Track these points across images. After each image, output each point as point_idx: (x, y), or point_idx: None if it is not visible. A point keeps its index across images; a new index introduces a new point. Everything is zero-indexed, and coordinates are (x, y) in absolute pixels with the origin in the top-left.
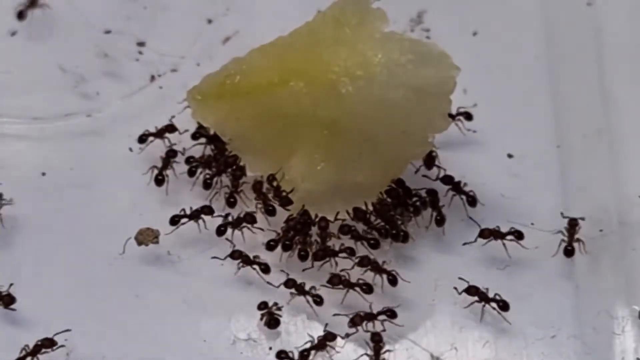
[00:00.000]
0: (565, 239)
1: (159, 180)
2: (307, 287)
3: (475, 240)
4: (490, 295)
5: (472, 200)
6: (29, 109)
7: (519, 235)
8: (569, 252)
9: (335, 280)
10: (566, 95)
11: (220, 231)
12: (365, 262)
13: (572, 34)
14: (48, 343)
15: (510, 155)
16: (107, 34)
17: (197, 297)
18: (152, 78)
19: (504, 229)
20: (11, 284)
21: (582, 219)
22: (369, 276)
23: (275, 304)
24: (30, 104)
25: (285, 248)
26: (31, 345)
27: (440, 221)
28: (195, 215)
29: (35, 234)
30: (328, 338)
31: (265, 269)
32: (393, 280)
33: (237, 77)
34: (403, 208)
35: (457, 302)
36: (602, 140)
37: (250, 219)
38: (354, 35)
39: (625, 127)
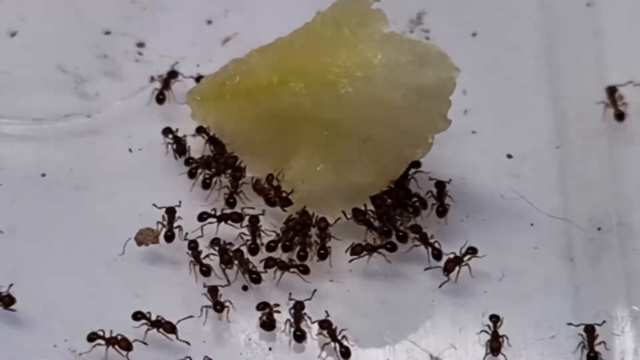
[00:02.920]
0: (609, 105)
1: (160, 100)
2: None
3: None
4: None
5: (443, 211)
6: (29, 110)
7: (473, 251)
8: (619, 116)
9: (358, 249)
10: (565, 95)
11: (203, 218)
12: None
13: (572, 35)
14: (237, 217)
15: (509, 156)
16: (106, 34)
17: (197, 297)
18: (152, 79)
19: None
20: (11, 285)
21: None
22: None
23: (276, 304)
24: (30, 104)
25: (285, 249)
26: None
27: (441, 212)
28: (223, 219)
29: (35, 235)
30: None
31: (207, 271)
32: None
33: (237, 78)
34: (402, 208)
35: (457, 302)
36: (602, 141)
37: (237, 217)
38: (353, 36)
39: (624, 127)
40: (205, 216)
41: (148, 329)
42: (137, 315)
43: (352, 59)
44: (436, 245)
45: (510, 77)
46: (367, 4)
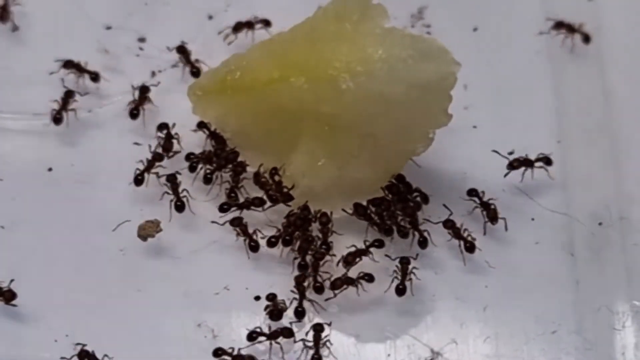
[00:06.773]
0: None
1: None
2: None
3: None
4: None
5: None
6: (30, 105)
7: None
8: (586, 39)
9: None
10: (567, 90)
11: (224, 209)
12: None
13: None
14: (259, 202)
15: (511, 151)
16: (107, 29)
17: (199, 291)
18: (153, 74)
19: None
20: (12, 280)
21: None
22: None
23: (283, 300)
24: (31, 99)
25: (286, 243)
26: None
27: (494, 215)
28: (245, 206)
29: (36, 230)
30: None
31: (255, 246)
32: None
33: (238, 73)
34: (403, 203)
35: (458, 297)
36: (603, 136)
37: (258, 202)
38: (354, 30)
39: (625, 122)
40: (226, 207)
41: None
42: (218, 352)
43: (353, 53)
44: (425, 233)
45: (511, 72)
46: None
